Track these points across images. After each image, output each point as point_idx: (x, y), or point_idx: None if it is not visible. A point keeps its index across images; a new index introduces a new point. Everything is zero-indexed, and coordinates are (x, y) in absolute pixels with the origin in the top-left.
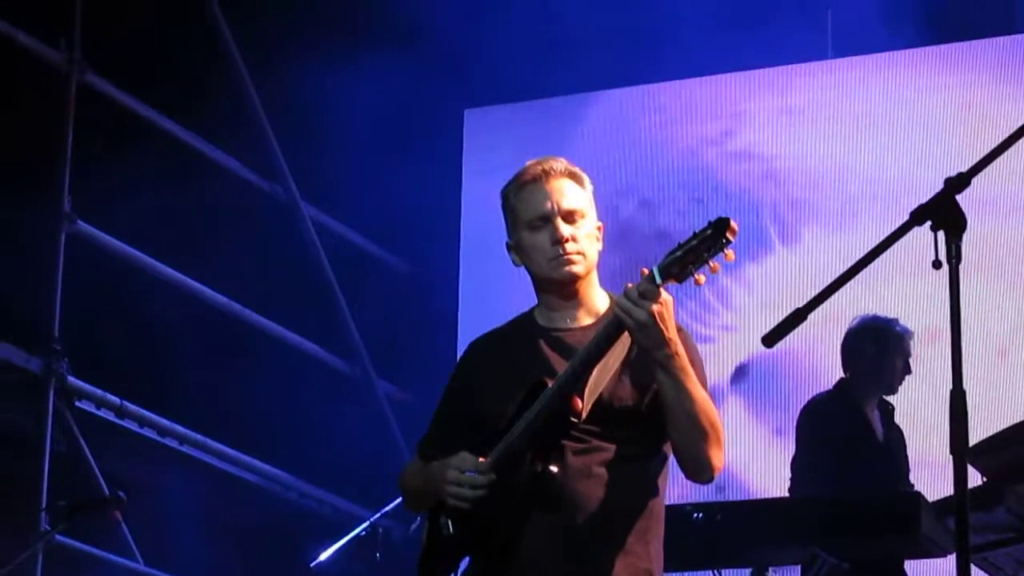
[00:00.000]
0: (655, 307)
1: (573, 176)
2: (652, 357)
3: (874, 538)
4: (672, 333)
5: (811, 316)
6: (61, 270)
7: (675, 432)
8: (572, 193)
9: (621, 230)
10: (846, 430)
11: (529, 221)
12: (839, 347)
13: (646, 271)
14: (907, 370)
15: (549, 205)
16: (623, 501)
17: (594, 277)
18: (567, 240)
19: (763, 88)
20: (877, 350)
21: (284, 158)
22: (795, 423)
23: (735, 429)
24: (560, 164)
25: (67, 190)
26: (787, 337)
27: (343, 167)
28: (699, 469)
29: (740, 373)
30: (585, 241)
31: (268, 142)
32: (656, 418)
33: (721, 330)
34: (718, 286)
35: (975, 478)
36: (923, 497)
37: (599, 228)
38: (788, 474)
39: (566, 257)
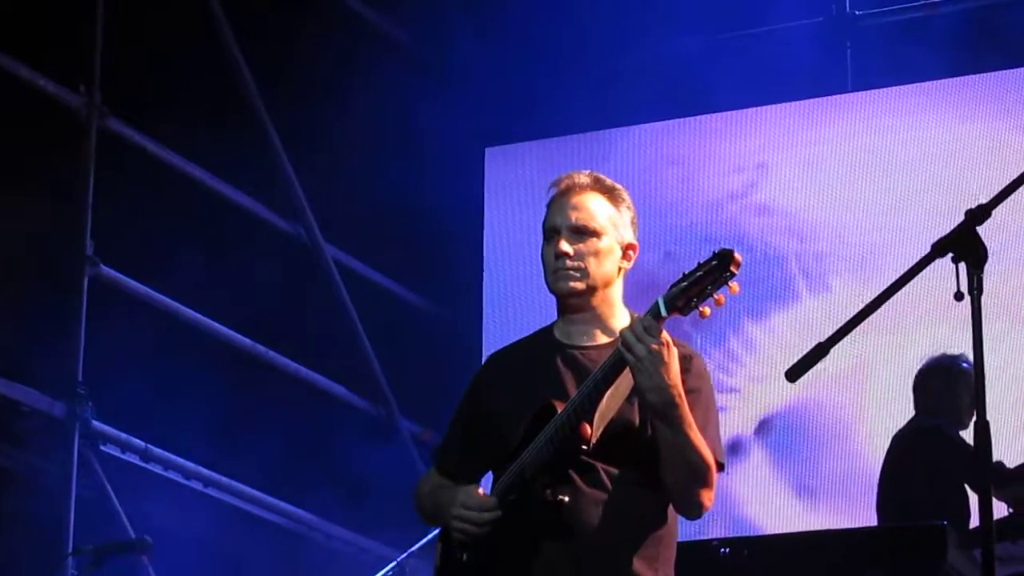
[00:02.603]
0: (655, 345)
1: (602, 190)
2: (651, 403)
3: (900, 570)
4: (673, 379)
5: (839, 368)
6: (84, 314)
7: (667, 473)
8: (591, 208)
9: (649, 281)
10: (918, 461)
11: (545, 231)
12: (867, 401)
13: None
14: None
15: (560, 219)
16: (630, 527)
17: (612, 295)
18: (563, 254)
19: (784, 135)
20: (943, 385)
21: (306, 199)
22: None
23: (758, 485)
24: (584, 178)
25: (89, 234)
26: (814, 389)
27: (365, 208)
28: (688, 508)
29: (765, 426)
30: (590, 257)
31: (290, 183)
32: None
33: (747, 380)
34: (745, 336)
35: (1001, 509)
36: (950, 528)
37: (630, 247)
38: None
39: (562, 272)
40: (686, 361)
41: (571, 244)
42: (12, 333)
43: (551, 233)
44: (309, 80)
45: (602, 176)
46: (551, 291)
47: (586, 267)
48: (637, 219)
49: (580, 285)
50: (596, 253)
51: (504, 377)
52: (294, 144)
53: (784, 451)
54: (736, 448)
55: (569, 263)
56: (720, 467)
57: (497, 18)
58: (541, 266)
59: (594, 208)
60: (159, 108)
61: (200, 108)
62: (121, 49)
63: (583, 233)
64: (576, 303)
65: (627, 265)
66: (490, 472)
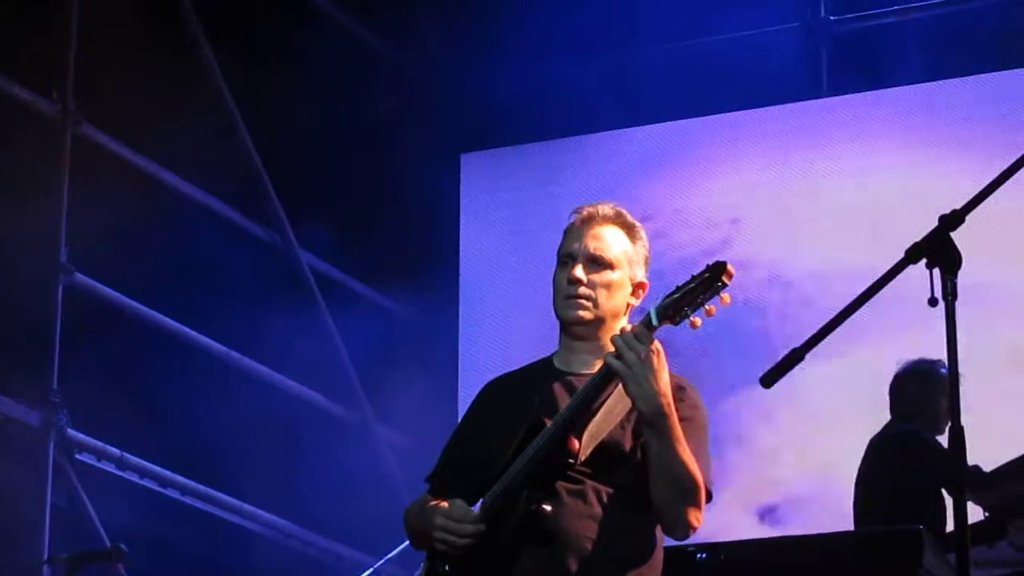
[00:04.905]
0: (645, 352)
1: (622, 225)
2: (641, 411)
3: (876, 574)
4: (663, 387)
5: (800, 385)
6: (59, 322)
7: (654, 487)
8: (609, 240)
9: None
10: (895, 465)
11: (560, 257)
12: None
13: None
14: None
15: (578, 246)
16: (616, 545)
17: (616, 329)
18: (576, 280)
19: (759, 141)
20: (922, 391)
21: (281, 205)
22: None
23: (717, 505)
24: (609, 210)
25: (63, 241)
26: (767, 414)
27: (339, 212)
28: (674, 525)
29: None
30: (602, 289)
31: (265, 190)
32: None
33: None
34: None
35: (977, 513)
36: (926, 532)
37: (640, 285)
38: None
39: (573, 300)
40: (680, 392)
41: (585, 273)
42: None
43: (566, 259)
44: (285, 87)
45: (624, 211)
46: (558, 317)
47: (596, 297)
48: (650, 258)
49: (588, 315)
50: (608, 285)
51: (499, 402)
52: (270, 151)
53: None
54: None
55: (581, 291)
56: (709, 495)
57: (471, 24)
58: (527, 283)
59: (612, 240)
60: (134, 115)
61: (175, 114)
62: (95, 56)
63: (598, 263)
64: (581, 331)
65: (635, 302)
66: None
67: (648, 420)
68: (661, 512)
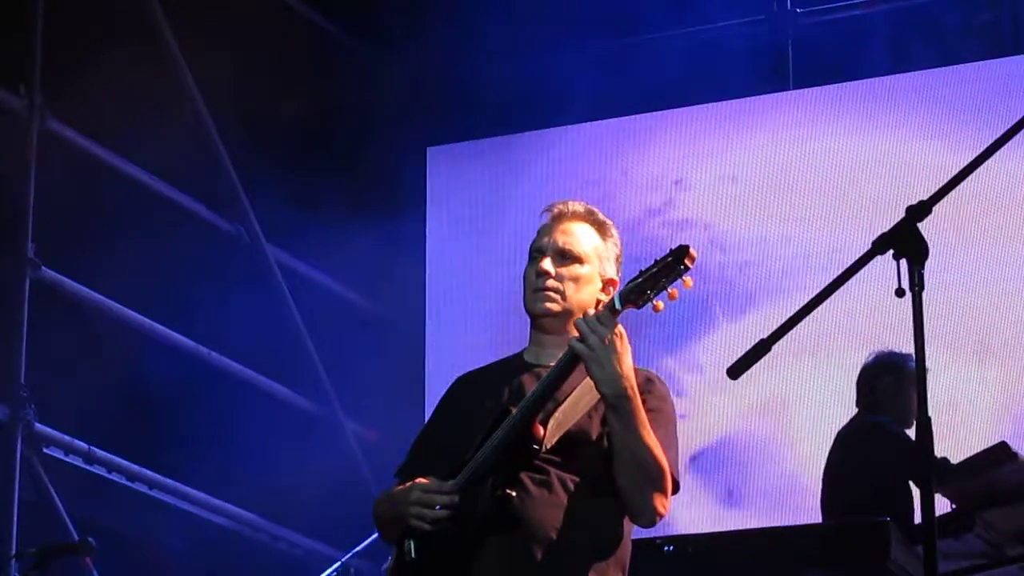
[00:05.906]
0: (608, 335)
1: (593, 222)
2: (603, 394)
3: (844, 566)
4: (626, 370)
5: (760, 400)
6: (26, 316)
7: (618, 472)
8: (578, 235)
9: None
10: (863, 457)
11: (531, 252)
12: (788, 433)
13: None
14: None
15: (547, 240)
16: (579, 533)
17: None
18: (544, 272)
19: (726, 134)
20: (894, 382)
21: (247, 198)
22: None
23: (691, 512)
24: (579, 207)
25: (30, 236)
26: (739, 423)
27: (306, 206)
28: (640, 512)
29: (693, 462)
30: (570, 283)
31: (232, 184)
32: None
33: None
34: (665, 372)
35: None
36: (893, 525)
37: (611, 282)
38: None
39: (541, 293)
40: (648, 384)
41: (554, 266)
42: None
43: (536, 254)
44: (251, 79)
45: (595, 209)
46: (527, 311)
47: (564, 290)
48: (623, 257)
49: (556, 307)
50: (576, 279)
51: (469, 396)
52: (236, 145)
53: (712, 481)
54: None
55: (549, 283)
56: (676, 486)
57: (436, 18)
58: (483, 266)
59: (581, 236)
60: (100, 109)
61: (141, 108)
62: (62, 50)
63: (567, 257)
64: (549, 324)
65: (605, 299)
66: None
67: (611, 403)
68: (626, 498)
